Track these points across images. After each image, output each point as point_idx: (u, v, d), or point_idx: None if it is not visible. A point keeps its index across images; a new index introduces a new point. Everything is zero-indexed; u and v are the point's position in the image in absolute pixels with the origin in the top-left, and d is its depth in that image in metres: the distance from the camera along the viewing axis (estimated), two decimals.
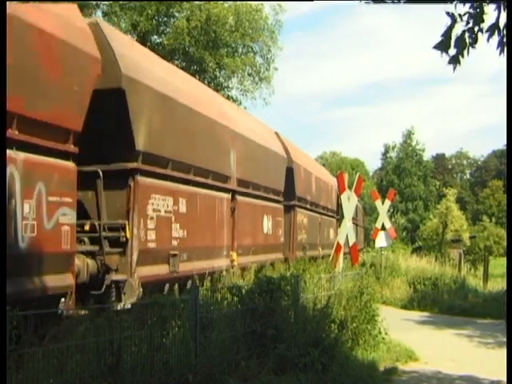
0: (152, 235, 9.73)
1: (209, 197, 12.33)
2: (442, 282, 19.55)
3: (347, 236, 16.70)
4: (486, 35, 4.81)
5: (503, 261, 27.03)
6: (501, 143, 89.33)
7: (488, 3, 4.89)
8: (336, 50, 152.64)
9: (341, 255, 16.16)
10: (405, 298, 18.62)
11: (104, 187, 9.05)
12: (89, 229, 8.86)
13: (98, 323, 6.06)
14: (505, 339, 11.42)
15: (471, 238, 42.54)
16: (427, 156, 77.11)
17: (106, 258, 8.86)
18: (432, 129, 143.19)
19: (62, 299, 7.56)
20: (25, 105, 6.90)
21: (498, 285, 21.04)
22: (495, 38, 4.83)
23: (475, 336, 13.52)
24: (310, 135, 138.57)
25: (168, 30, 27.86)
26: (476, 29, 4.82)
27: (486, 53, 6.16)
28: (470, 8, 4.82)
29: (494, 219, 51.74)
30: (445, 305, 17.52)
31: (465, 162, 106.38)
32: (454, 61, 4.85)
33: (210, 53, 26.88)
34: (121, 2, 25.99)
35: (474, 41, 4.84)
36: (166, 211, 10.25)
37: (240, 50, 28.93)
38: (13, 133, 6.74)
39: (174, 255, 10.47)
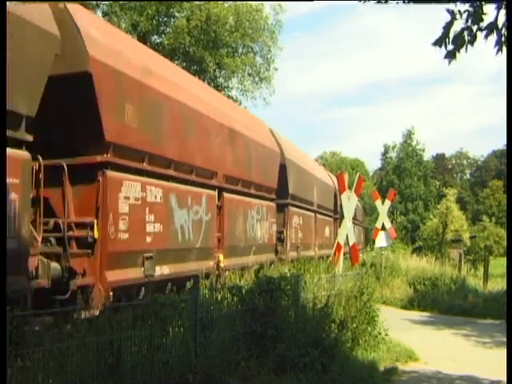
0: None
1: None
2: (441, 282, 19.56)
3: (347, 236, 16.74)
4: (483, 33, 4.85)
5: (503, 261, 27.03)
6: (501, 143, 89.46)
7: (487, 2, 4.91)
8: (336, 50, 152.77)
9: (341, 255, 16.18)
10: (405, 298, 18.62)
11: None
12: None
13: (98, 323, 6.07)
14: (504, 339, 11.42)
15: (471, 237, 42.55)
16: (427, 156, 77.16)
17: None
18: (432, 129, 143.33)
19: None
20: None
21: (498, 285, 21.03)
22: (493, 38, 4.85)
23: (475, 336, 13.51)
24: (310, 135, 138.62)
25: (168, 29, 27.88)
26: (475, 28, 4.85)
27: (486, 53, 6.16)
28: (469, 7, 4.85)
29: (494, 219, 51.75)
30: (445, 305, 17.52)
31: (465, 162, 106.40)
32: (450, 55, 4.90)
33: (210, 53, 26.89)
34: (121, 2, 26.00)
35: (473, 39, 4.88)
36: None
37: (240, 50, 28.95)
38: None
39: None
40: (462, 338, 13.29)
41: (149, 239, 9.54)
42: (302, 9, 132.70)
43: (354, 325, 10.06)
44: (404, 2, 5.22)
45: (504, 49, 4.89)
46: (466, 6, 4.86)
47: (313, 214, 22.35)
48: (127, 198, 8.92)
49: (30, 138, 7.14)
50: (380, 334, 10.54)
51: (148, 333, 6.36)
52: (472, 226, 53.87)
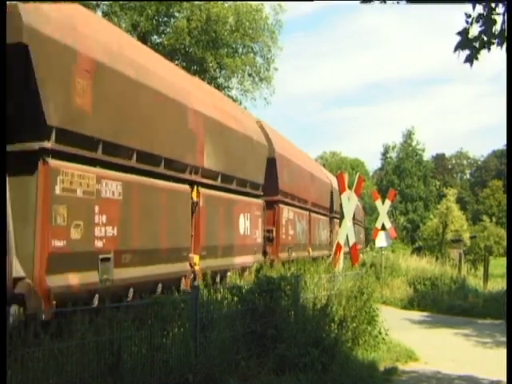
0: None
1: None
2: (442, 282, 19.56)
3: (347, 236, 16.73)
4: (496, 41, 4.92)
5: (503, 261, 27.02)
6: (501, 143, 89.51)
7: (491, 2, 4.94)
8: (336, 50, 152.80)
9: (341, 255, 16.17)
10: (405, 298, 18.62)
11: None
12: None
13: (98, 323, 6.07)
14: (504, 339, 11.42)
15: (471, 238, 42.56)
16: (427, 156, 77.23)
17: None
18: (432, 129, 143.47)
19: None
20: None
21: (498, 285, 21.03)
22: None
23: (475, 336, 13.51)
24: (310, 135, 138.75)
25: (168, 30, 27.88)
26: (492, 30, 4.92)
27: (486, 53, 6.18)
28: (483, 10, 4.92)
29: (494, 219, 51.71)
30: (445, 305, 17.52)
31: (465, 162, 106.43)
32: (471, 60, 4.96)
33: (211, 53, 26.90)
34: (121, 2, 26.01)
35: (490, 43, 4.96)
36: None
37: (240, 50, 28.95)
38: None
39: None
40: (462, 338, 13.28)
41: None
42: (303, 9, 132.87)
43: (354, 325, 10.06)
44: (406, 2, 5.24)
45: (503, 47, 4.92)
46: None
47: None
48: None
49: None
50: (380, 333, 10.54)
51: (148, 333, 6.37)
52: (472, 226, 53.90)
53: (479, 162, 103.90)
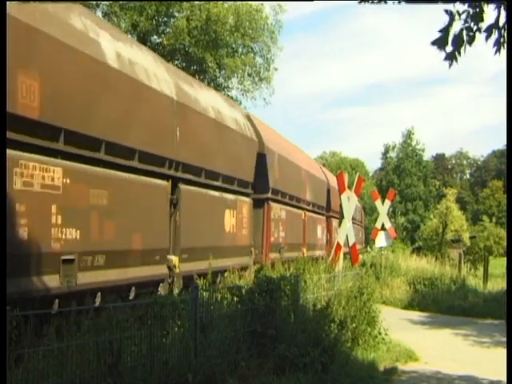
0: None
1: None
2: (441, 282, 19.58)
3: (347, 236, 16.73)
4: (483, 35, 4.84)
5: (503, 261, 27.00)
6: (501, 143, 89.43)
7: (488, 3, 4.91)
8: (336, 51, 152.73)
9: (341, 255, 16.18)
10: (405, 298, 18.64)
11: None
12: None
13: (98, 323, 6.07)
14: (504, 339, 11.42)
15: (471, 238, 42.49)
16: (427, 156, 77.11)
17: None
18: (432, 129, 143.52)
19: None
20: None
21: (498, 285, 21.04)
22: (493, 38, 4.84)
23: (475, 336, 13.52)
24: (310, 135, 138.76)
25: (168, 30, 27.86)
26: (474, 28, 4.84)
27: (486, 53, 6.17)
28: (468, 7, 4.84)
29: (494, 219, 51.64)
30: (445, 305, 17.53)
31: (465, 162, 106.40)
32: (450, 57, 4.88)
33: (210, 53, 26.88)
34: (121, 2, 26.00)
35: (472, 39, 4.86)
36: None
37: (240, 50, 28.94)
38: None
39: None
40: (462, 338, 13.29)
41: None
42: (304, 9, 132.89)
43: (354, 325, 10.06)
44: (406, 2, 5.22)
45: (503, 49, 4.89)
46: (465, 7, 4.85)
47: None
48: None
49: None
50: (380, 333, 10.55)
51: (148, 333, 6.36)
52: (472, 226, 53.83)
53: (479, 162, 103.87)
